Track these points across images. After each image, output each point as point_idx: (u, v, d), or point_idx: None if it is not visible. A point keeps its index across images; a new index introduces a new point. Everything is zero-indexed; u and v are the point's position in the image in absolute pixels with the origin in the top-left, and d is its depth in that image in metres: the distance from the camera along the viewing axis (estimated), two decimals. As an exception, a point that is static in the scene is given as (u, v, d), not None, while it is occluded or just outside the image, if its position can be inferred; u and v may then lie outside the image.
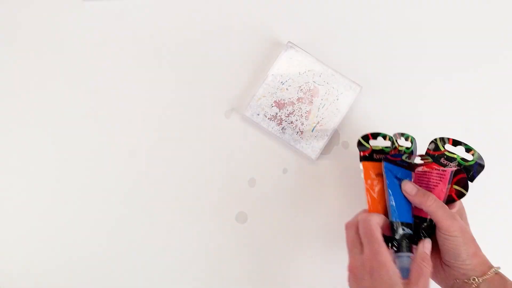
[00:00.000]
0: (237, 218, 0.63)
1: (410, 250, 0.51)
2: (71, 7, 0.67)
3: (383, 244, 0.48)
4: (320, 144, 0.63)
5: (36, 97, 0.65)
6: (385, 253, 0.48)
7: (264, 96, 0.64)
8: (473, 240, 0.50)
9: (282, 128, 0.64)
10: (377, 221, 0.50)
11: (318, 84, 0.64)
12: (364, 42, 0.67)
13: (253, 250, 0.62)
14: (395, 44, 0.67)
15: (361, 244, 0.50)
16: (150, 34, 0.67)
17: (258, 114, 0.64)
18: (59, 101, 0.65)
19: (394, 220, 0.52)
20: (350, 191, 0.64)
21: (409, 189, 0.52)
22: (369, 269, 0.47)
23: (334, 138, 0.65)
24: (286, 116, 0.64)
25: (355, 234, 0.51)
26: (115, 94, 0.66)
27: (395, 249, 0.51)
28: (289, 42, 0.64)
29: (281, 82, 0.64)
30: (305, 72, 0.64)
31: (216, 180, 0.64)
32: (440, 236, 0.50)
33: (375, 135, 0.55)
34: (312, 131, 0.63)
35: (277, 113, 0.64)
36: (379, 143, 0.56)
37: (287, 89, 0.64)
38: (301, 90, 0.64)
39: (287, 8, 0.68)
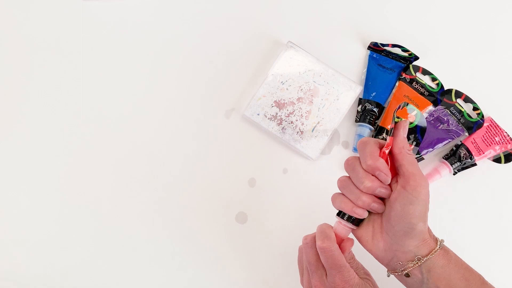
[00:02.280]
0: (237, 218, 0.63)
1: (371, 124, 0.63)
2: (71, 7, 0.67)
3: (350, 267, 0.45)
4: (320, 144, 0.63)
5: (35, 96, 0.65)
6: (354, 276, 0.45)
7: (264, 96, 0.64)
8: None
9: (282, 128, 0.63)
10: (335, 246, 0.45)
11: (318, 84, 0.64)
12: (364, 41, 0.67)
13: (253, 250, 0.62)
14: (395, 43, 0.67)
15: (323, 267, 0.46)
16: (150, 34, 0.67)
17: (258, 114, 0.64)
18: (58, 101, 0.65)
19: (363, 98, 0.64)
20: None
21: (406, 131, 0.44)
22: None
23: (334, 138, 0.65)
24: (286, 116, 0.64)
25: (317, 255, 0.46)
26: (114, 94, 0.66)
27: (357, 118, 0.64)
28: (289, 42, 0.64)
29: (281, 82, 0.64)
30: (305, 72, 0.64)
31: (216, 180, 0.63)
32: (402, 196, 0.42)
33: None
34: (312, 131, 0.63)
35: (277, 113, 0.64)
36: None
37: (287, 89, 0.64)
38: (301, 90, 0.64)
39: (287, 8, 0.68)
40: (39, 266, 0.62)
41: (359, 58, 0.67)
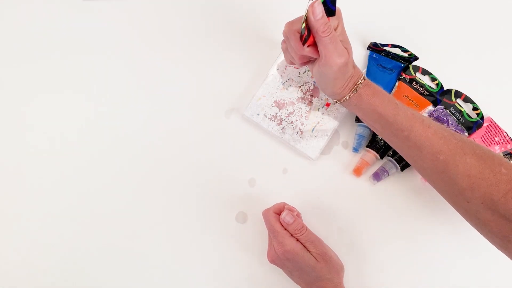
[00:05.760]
0: (237, 218, 0.63)
1: None
2: (71, 7, 0.67)
3: (285, 234, 0.54)
4: (320, 144, 0.63)
5: (35, 96, 0.65)
6: (288, 241, 0.53)
7: (264, 96, 0.64)
8: (345, 72, 0.52)
9: (282, 128, 0.64)
10: (273, 212, 0.56)
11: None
12: (364, 42, 0.67)
13: (253, 250, 0.62)
14: (395, 44, 0.67)
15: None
16: (150, 34, 0.67)
17: (258, 114, 0.64)
18: (59, 101, 0.65)
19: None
20: (349, 190, 0.64)
21: (318, 11, 0.47)
22: (284, 258, 0.54)
23: (334, 138, 0.65)
24: (286, 116, 0.64)
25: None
26: (115, 94, 0.66)
27: (357, 118, 0.63)
28: (289, 42, 0.65)
29: (281, 82, 0.64)
30: (305, 72, 0.64)
31: (216, 180, 0.63)
32: (316, 68, 0.52)
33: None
34: (312, 131, 0.63)
35: (277, 113, 0.64)
36: None
37: (287, 89, 0.64)
38: (301, 90, 0.64)
39: (287, 8, 0.68)
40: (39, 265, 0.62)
41: (359, 58, 0.67)
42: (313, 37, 0.50)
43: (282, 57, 0.64)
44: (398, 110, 0.52)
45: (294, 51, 0.52)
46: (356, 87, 0.53)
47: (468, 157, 0.49)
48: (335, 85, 0.53)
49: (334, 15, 0.49)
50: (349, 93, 0.53)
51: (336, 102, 0.56)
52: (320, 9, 0.47)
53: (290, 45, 0.53)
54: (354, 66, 0.54)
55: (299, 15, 0.52)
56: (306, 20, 0.48)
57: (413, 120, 0.51)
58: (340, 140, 0.65)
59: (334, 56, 0.49)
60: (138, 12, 0.68)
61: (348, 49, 0.52)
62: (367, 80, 0.54)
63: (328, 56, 0.49)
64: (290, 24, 0.52)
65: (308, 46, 0.50)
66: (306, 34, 0.49)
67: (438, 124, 0.52)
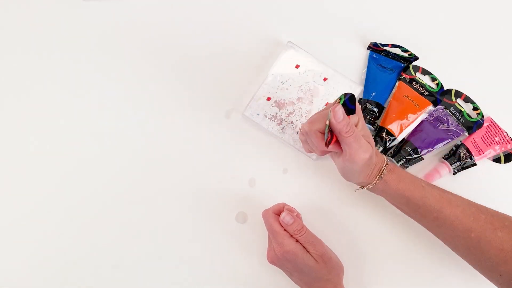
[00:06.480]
0: (237, 218, 0.63)
1: (371, 124, 0.63)
2: (71, 7, 0.67)
3: (284, 234, 0.54)
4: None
5: (35, 96, 0.65)
6: (288, 242, 0.53)
7: (264, 96, 0.64)
8: (369, 164, 0.52)
9: (282, 128, 0.63)
10: (272, 213, 0.56)
11: (318, 84, 0.64)
12: (364, 41, 0.67)
13: (253, 250, 0.62)
14: (395, 44, 0.67)
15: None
16: (150, 34, 0.67)
17: (258, 114, 0.64)
18: (58, 101, 0.65)
19: (363, 98, 0.64)
20: (350, 191, 0.64)
21: (339, 114, 0.48)
22: (283, 258, 0.54)
23: (334, 138, 0.65)
24: (286, 116, 0.64)
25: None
26: (115, 94, 0.66)
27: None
28: (289, 42, 0.64)
29: (281, 82, 0.64)
30: (305, 72, 0.64)
31: (216, 180, 0.63)
32: (340, 162, 0.52)
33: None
34: (312, 131, 0.63)
35: (277, 113, 0.64)
36: None
37: (287, 89, 0.64)
38: (301, 90, 0.64)
39: (287, 9, 0.68)
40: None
41: (359, 58, 0.67)
42: (336, 136, 0.50)
43: (282, 58, 0.64)
44: (426, 193, 0.52)
45: (315, 146, 0.53)
46: (380, 174, 0.53)
47: (499, 231, 0.50)
48: (360, 176, 0.53)
49: (354, 113, 0.49)
50: (374, 180, 0.54)
51: (362, 188, 0.56)
52: (341, 112, 0.47)
53: (311, 141, 0.53)
54: (377, 154, 0.54)
55: (316, 112, 0.53)
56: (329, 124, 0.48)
57: (441, 201, 0.52)
58: (340, 140, 0.65)
59: (359, 153, 0.50)
60: (138, 12, 0.68)
61: (370, 142, 0.52)
62: (391, 164, 0.55)
63: (353, 153, 0.50)
64: (310, 124, 0.52)
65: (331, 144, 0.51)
66: (330, 137, 0.49)
67: (465, 200, 0.53)
